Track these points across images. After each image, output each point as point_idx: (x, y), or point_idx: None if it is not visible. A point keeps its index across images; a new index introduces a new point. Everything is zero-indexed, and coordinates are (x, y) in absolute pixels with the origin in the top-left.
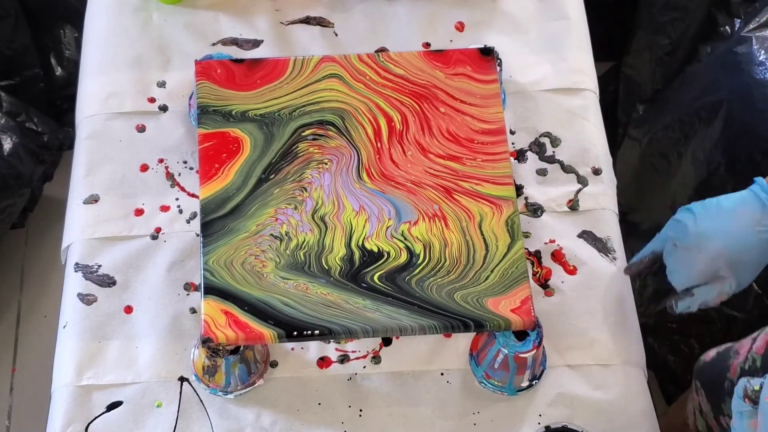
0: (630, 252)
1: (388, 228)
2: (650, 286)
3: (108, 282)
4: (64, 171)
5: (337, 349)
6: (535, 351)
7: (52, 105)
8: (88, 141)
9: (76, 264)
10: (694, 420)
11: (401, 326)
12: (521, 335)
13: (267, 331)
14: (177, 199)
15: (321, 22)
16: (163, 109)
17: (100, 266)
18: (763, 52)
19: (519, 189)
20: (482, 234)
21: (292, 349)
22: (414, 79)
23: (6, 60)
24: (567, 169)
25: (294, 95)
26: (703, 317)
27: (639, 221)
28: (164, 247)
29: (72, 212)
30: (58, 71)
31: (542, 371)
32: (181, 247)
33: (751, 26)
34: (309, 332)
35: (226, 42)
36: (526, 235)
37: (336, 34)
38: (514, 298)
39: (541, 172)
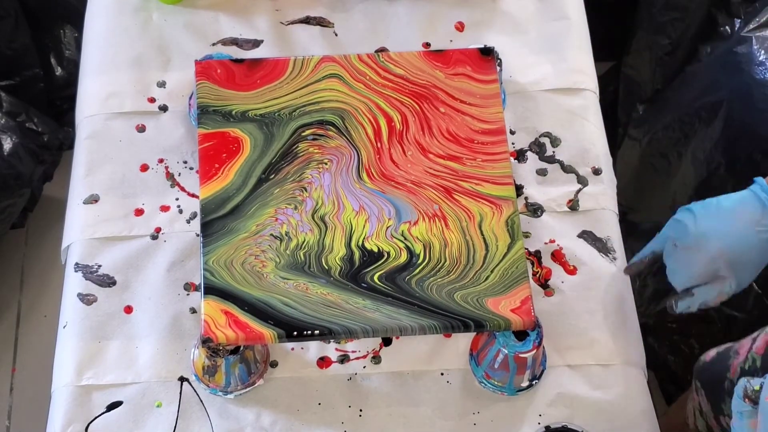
0: (630, 252)
1: (388, 228)
2: (650, 286)
3: (108, 282)
4: (64, 171)
5: (337, 349)
6: (535, 351)
7: (52, 105)
8: (88, 141)
9: (76, 264)
10: (694, 420)
11: (401, 326)
12: (521, 335)
13: (267, 331)
14: (177, 199)
15: (321, 22)
16: (163, 109)
17: (100, 266)
18: (763, 52)
19: (519, 189)
20: (482, 234)
21: (292, 349)
22: (414, 79)
23: (6, 60)
24: (567, 169)
25: (294, 95)
26: (703, 317)
27: (639, 221)
28: (164, 247)
29: (72, 212)
30: (58, 71)
31: (542, 371)
32: (181, 247)
33: (751, 26)
34: (309, 332)
35: (226, 42)
36: (526, 235)
37: (336, 34)
38: (514, 298)
39: (541, 172)
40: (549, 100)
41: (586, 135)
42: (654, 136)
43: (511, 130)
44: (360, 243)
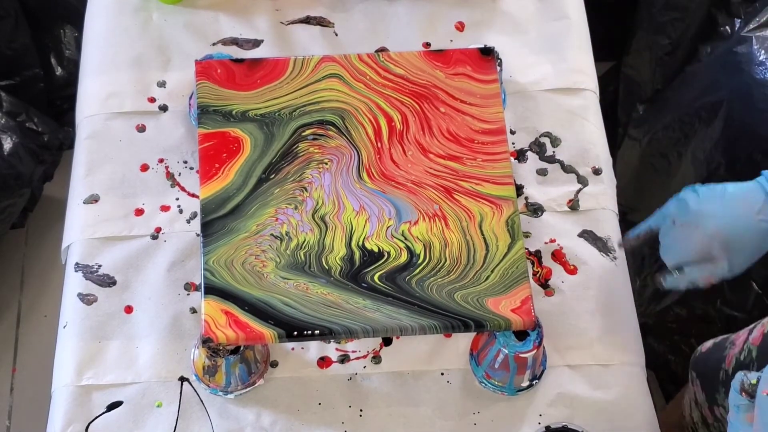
0: (630, 252)
1: (388, 228)
2: (650, 286)
3: (108, 282)
4: (64, 171)
5: (337, 349)
6: (535, 351)
7: (52, 105)
8: (88, 141)
9: (76, 264)
10: (690, 411)
11: (401, 326)
12: (521, 335)
13: (267, 331)
14: (177, 199)
15: (321, 22)
16: (163, 109)
17: (100, 266)
18: (763, 52)
19: (519, 189)
20: (482, 234)
21: (293, 349)
22: (414, 79)
23: (6, 60)
24: (567, 169)
25: (294, 95)
26: (704, 317)
27: (639, 221)
28: (164, 247)
29: (72, 212)
30: (58, 71)
31: (542, 371)
32: (181, 247)
33: (751, 26)
34: (309, 332)
35: (226, 42)
36: (527, 234)
37: (336, 34)
38: (514, 297)
39: (542, 172)
40: (549, 100)
41: (586, 135)
42: (654, 136)
43: (511, 130)
44: (360, 243)
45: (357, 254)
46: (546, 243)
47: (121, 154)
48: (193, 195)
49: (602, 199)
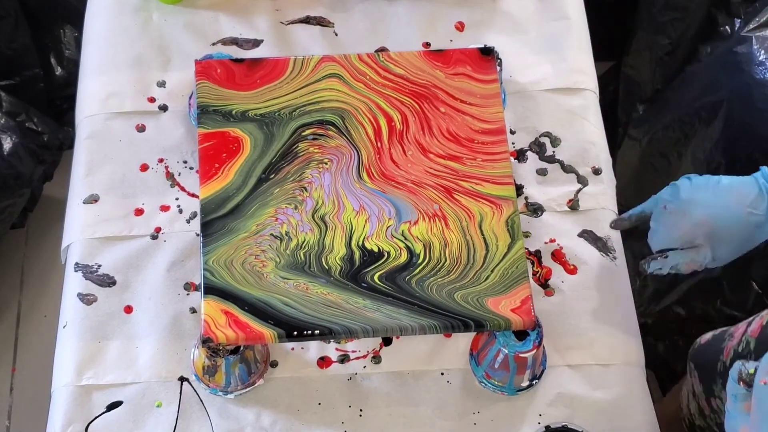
0: (630, 252)
1: (388, 228)
2: (650, 286)
3: (108, 282)
4: (64, 171)
5: (337, 349)
6: (535, 351)
7: (52, 105)
8: (88, 141)
9: (76, 264)
10: (687, 402)
11: (401, 326)
12: (521, 335)
13: (267, 331)
14: (177, 198)
15: (321, 21)
16: (163, 108)
17: (100, 266)
18: (763, 52)
19: (519, 189)
20: (482, 234)
21: (292, 349)
22: (414, 79)
23: (6, 60)
24: (567, 168)
25: (294, 95)
26: (704, 317)
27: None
28: (164, 246)
29: (72, 212)
30: (58, 71)
31: (542, 371)
32: (181, 247)
33: (751, 26)
34: (309, 332)
35: (226, 42)
36: (527, 234)
37: (336, 34)
38: (514, 297)
39: (541, 172)
40: (549, 100)
41: (586, 135)
42: (654, 136)
43: (511, 129)
44: (360, 243)
45: (357, 254)
46: (546, 243)
47: (121, 154)
48: (192, 195)
49: (602, 199)
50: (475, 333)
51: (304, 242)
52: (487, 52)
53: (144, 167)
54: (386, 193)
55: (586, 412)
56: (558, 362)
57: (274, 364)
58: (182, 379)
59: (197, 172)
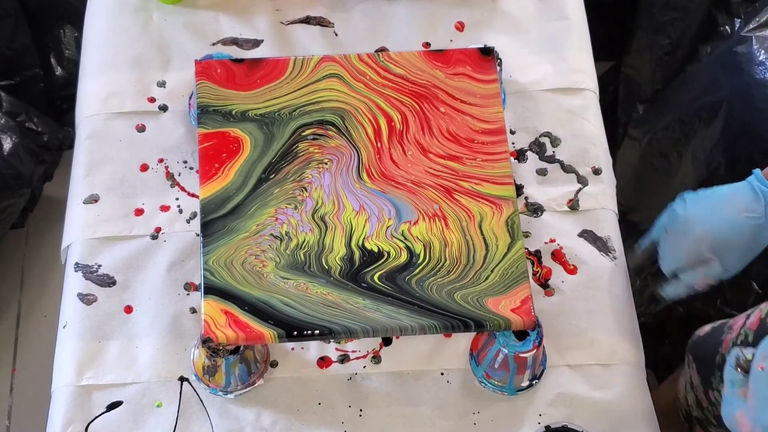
0: (630, 252)
1: (388, 228)
2: (650, 286)
3: (108, 282)
4: (64, 171)
5: (337, 349)
6: (535, 351)
7: (52, 105)
8: (88, 141)
9: (76, 264)
10: (684, 393)
11: (401, 326)
12: (521, 335)
13: (267, 331)
14: (177, 198)
15: (321, 22)
16: (163, 109)
17: (100, 266)
18: (763, 52)
19: (519, 189)
20: (482, 234)
21: (292, 349)
22: (414, 79)
23: (6, 60)
24: (567, 168)
25: (294, 95)
26: (704, 317)
27: (639, 221)
28: (164, 247)
29: (72, 212)
30: (58, 71)
31: (542, 371)
32: (181, 247)
33: (751, 26)
34: (309, 332)
35: (226, 42)
36: (526, 234)
37: (336, 34)
38: (514, 297)
39: (541, 172)
40: (549, 100)
41: (586, 135)
42: (654, 136)
43: (511, 129)
44: (360, 243)
45: (357, 254)
46: (546, 243)
47: (121, 154)
48: (192, 195)
49: (602, 199)
50: (475, 333)
51: (304, 242)
52: (487, 52)
53: (144, 167)
54: (386, 193)
55: (586, 412)
56: (558, 362)
57: (274, 364)
58: (182, 379)
59: (197, 172)
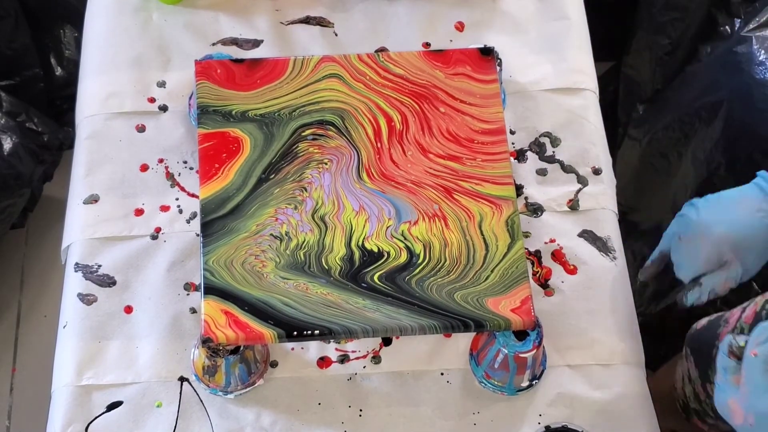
0: (630, 252)
1: (388, 228)
2: (650, 286)
3: (108, 282)
4: (64, 171)
5: (337, 349)
6: (535, 351)
7: (52, 105)
8: (88, 141)
9: (76, 264)
10: (682, 385)
11: (401, 326)
12: (521, 335)
13: (267, 331)
14: (177, 199)
15: (321, 22)
16: (163, 109)
17: (100, 266)
18: (763, 52)
19: (519, 189)
20: (482, 234)
21: (292, 349)
22: (414, 79)
23: (6, 60)
24: (567, 168)
25: (294, 95)
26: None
27: (639, 221)
28: (164, 247)
29: (72, 212)
30: (58, 71)
31: (542, 371)
32: (181, 247)
33: (751, 26)
34: (309, 332)
35: (226, 42)
36: (526, 234)
37: (336, 34)
38: (514, 297)
39: (541, 172)
40: (549, 100)
41: (586, 135)
42: (654, 136)
43: (511, 130)
44: (360, 243)
45: (357, 254)
46: (546, 243)
47: (121, 154)
48: (192, 195)
49: (602, 199)
50: (475, 333)
51: (304, 242)
52: (487, 52)
53: (144, 167)
54: (386, 193)
55: (586, 412)
56: (558, 362)
57: (274, 364)
58: (182, 379)
59: (197, 172)
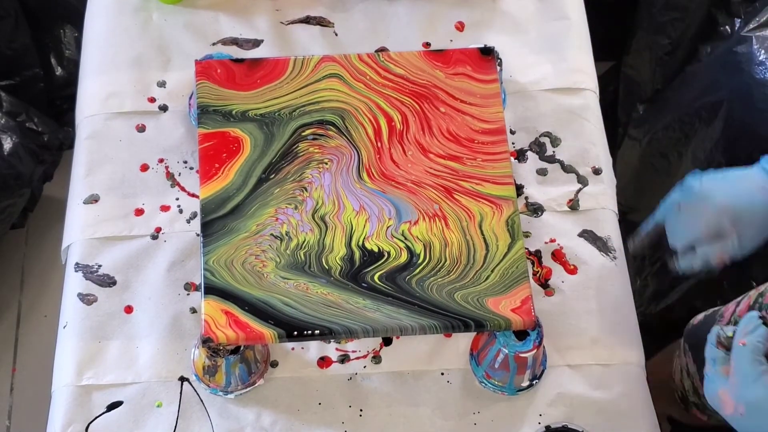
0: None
1: (388, 228)
2: (650, 286)
3: (108, 282)
4: (64, 171)
5: (337, 349)
6: (535, 351)
7: (52, 105)
8: (88, 141)
9: (76, 264)
10: (680, 378)
11: (401, 326)
12: (521, 335)
13: (267, 331)
14: (177, 198)
15: (321, 21)
16: (163, 109)
17: (100, 266)
18: (763, 52)
19: (519, 189)
20: (482, 234)
21: (293, 349)
22: (414, 79)
23: (6, 60)
24: (567, 168)
25: (294, 95)
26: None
27: (639, 221)
28: (164, 247)
29: (72, 212)
30: (58, 71)
31: (542, 371)
32: (181, 247)
33: (751, 26)
34: (309, 332)
35: (226, 42)
36: (527, 234)
37: (336, 34)
38: (514, 297)
39: (541, 172)
40: (549, 100)
41: (586, 135)
42: (654, 136)
43: (511, 129)
44: (360, 243)
45: (357, 254)
46: (546, 243)
47: (121, 154)
48: (193, 195)
49: (602, 199)
50: (475, 333)
51: (304, 242)
52: (487, 52)
53: (144, 167)
54: (386, 193)
55: (586, 412)
56: (558, 362)
57: (274, 364)
58: (182, 379)
59: (197, 172)
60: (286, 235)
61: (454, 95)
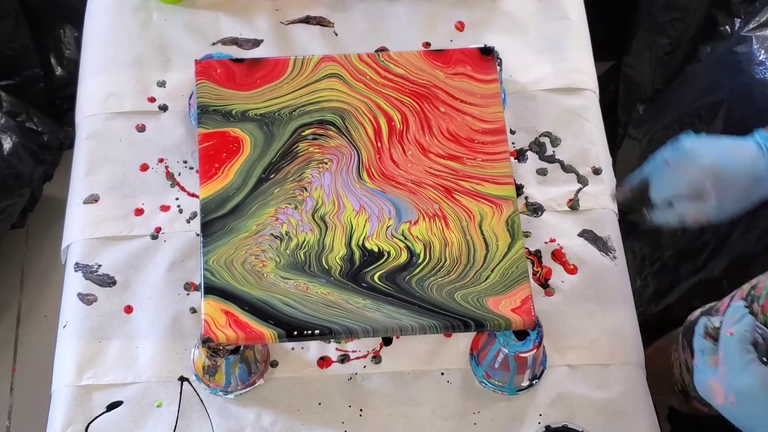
0: (630, 252)
1: (388, 228)
2: (650, 286)
3: (108, 282)
4: (64, 171)
5: (337, 349)
6: (535, 350)
7: (52, 105)
8: (88, 141)
9: (76, 264)
10: (680, 372)
11: (401, 326)
12: (521, 335)
13: (267, 331)
14: (177, 198)
15: (321, 21)
16: (163, 108)
17: (100, 266)
18: (763, 52)
19: (519, 188)
20: (482, 234)
21: (293, 348)
22: (414, 79)
23: (6, 60)
24: (567, 168)
25: (294, 95)
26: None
27: (639, 221)
28: (164, 246)
29: (72, 212)
30: (58, 71)
31: (542, 371)
32: (181, 247)
33: (751, 26)
34: (309, 332)
35: (226, 42)
36: (527, 234)
37: (336, 34)
38: (514, 297)
39: (541, 172)
40: (549, 100)
41: (586, 135)
42: (654, 136)
43: (511, 129)
44: (360, 243)
45: (357, 254)
46: (546, 243)
47: (121, 154)
48: (193, 195)
49: (602, 198)
50: (475, 333)
51: (304, 242)
52: (487, 52)
53: (144, 167)
54: (386, 192)
55: (586, 412)
56: (558, 362)
57: (274, 364)
58: (182, 379)
59: (197, 172)
60: (286, 235)
61: (454, 95)
